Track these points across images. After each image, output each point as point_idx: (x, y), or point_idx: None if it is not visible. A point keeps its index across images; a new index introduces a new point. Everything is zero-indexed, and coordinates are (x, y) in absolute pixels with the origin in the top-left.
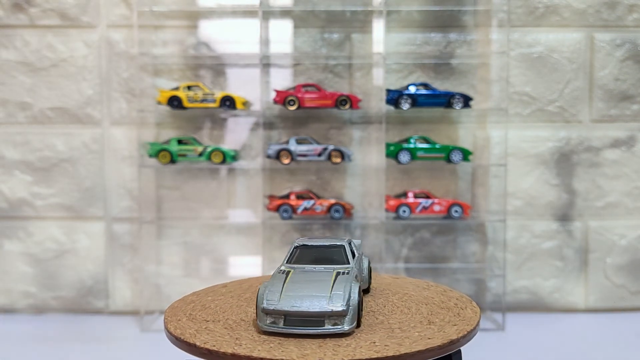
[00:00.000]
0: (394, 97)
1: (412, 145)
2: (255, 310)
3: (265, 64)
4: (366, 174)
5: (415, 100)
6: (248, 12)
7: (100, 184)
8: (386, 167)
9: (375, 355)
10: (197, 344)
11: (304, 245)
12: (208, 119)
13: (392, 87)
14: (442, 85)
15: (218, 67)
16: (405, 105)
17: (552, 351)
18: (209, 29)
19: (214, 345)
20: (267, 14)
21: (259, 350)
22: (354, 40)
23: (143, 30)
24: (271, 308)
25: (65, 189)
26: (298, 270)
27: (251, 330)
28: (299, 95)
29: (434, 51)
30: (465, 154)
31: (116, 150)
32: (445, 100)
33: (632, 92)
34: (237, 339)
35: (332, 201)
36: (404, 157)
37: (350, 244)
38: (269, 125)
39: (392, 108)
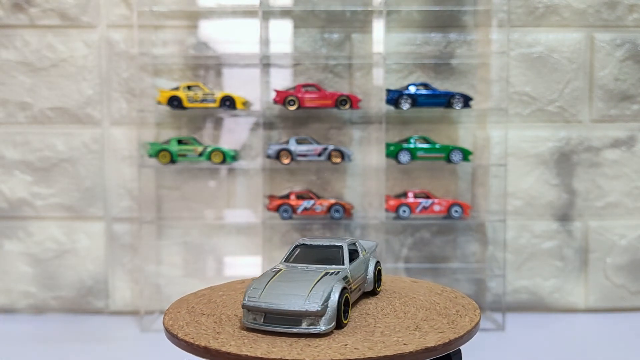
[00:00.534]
0: (394, 97)
1: (412, 145)
2: None
3: (265, 64)
4: (366, 174)
5: (415, 100)
6: (248, 12)
7: (100, 184)
8: (386, 167)
9: (338, 357)
10: (179, 335)
11: (303, 244)
12: (208, 119)
13: (392, 87)
14: (442, 85)
15: (218, 67)
16: (405, 105)
17: (552, 351)
18: (209, 29)
19: (192, 338)
20: (267, 14)
21: (230, 345)
22: (354, 40)
23: (143, 30)
24: (251, 304)
25: (65, 189)
26: (289, 269)
27: (237, 326)
28: (299, 95)
29: (434, 51)
30: (465, 154)
31: (116, 150)
32: (445, 100)
33: (632, 92)
34: (218, 333)
35: (332, 201)
36: (404, 157)
37: (355, 244)
38: (269, 125)
39: (392, 108)
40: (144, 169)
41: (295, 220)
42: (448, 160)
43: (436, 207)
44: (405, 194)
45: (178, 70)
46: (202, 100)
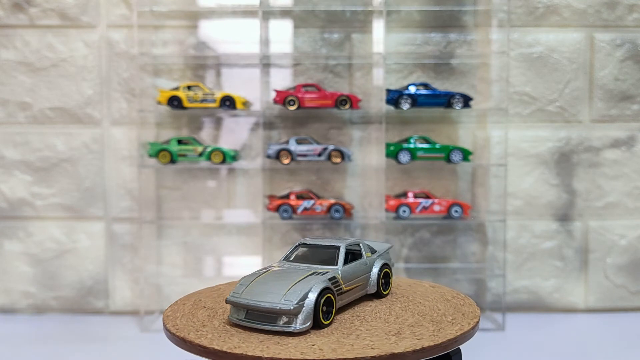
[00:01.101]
0: (394, 97)
1: (412, 145)
2: None
3: (265, 64)
4: (366, 174)
5: (415, 100)
6: (248, 12)
7: (100, 184)
8: (386, 167)
9: (299, 357)
10: (168, 326)
11: (304, 244)
12: (208, 119)
13: (392, 87)
14: (442, 85)
15: (218, 67)
16: (405, 105)
17: (552, 351)
18: (209, 29)
19: (177, 329)
20: (267, 14)
21: (205, 338)
22: (354, 40)
23: (143, 30)
24: (233, 300)
25: (65, 189)
26: (280, 267)
27: (224, 321)
28: (299, 95)
29: (434, 51)
30: (465, 154)
31: (116, 150)
32: (445, 100)
33: (632, 92)
34: (203, 326)
35: (332, 201)
36: (404, 157)
37: (358, 245)
38: (269, 125)
39: (392, 108)
40: (144, 169)
41: (295, 220)
42: (448, 160)
43: (436, 207)
44: (405, 194)
45: (178, 70)
46: (202, 100)
